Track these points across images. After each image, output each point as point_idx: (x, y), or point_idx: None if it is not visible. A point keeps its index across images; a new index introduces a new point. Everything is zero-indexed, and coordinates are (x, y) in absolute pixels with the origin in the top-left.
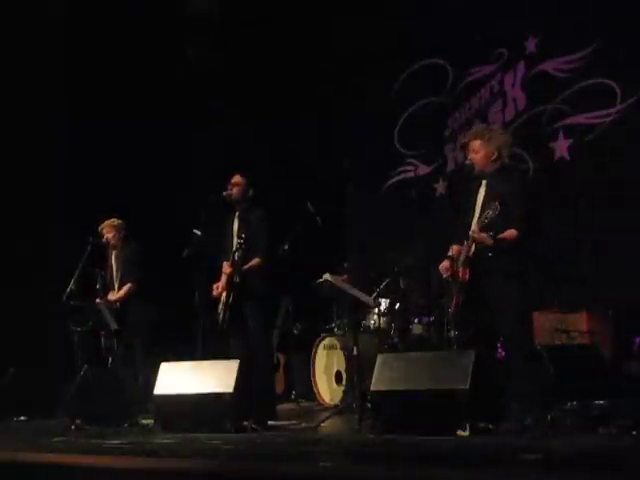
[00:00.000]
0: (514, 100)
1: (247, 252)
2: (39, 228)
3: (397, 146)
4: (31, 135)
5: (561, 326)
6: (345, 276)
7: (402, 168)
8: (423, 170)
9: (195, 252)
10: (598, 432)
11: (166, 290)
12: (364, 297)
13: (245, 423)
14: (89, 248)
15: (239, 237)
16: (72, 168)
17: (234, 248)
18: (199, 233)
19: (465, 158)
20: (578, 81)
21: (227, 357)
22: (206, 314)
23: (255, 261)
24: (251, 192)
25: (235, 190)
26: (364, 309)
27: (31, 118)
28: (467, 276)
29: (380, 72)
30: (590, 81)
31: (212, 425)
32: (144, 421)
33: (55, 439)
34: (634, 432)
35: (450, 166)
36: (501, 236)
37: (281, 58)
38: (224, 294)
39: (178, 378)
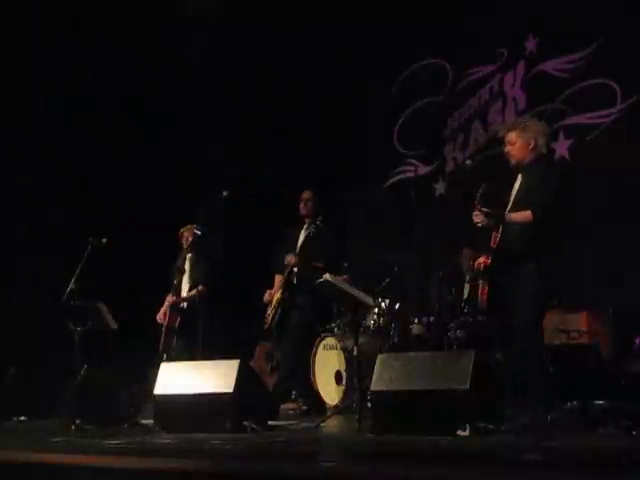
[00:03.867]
0: (514, 100)
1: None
2: (39, 228)
3: (397, 146)
4: (31, 135)
5: (561, 326)
6: (345, 276)
7: (402, 168)
8: (423, 170)
9: (195, 252)
10: (598, 432)
11: (166, 290)
12: (364, 297)
13: (245, 423)
14: (89, 248)
15: (304, 244)
16: (72, 167)
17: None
18: (199, 233)
19: (466, 158)
20: (578, 81)
21: (227, 357)
22: (206, 314)
23: (320, 264)
24: (317, 204)
25: (308, 205)
26: (364, 309)
27: (30, 117)
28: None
29: (380, 72)
30: (590, 81)
31: (212, 425)
32: (144, 421)
33: (55, 439)
34: (634, 432)
35: (450, 166)
36: (511, 215)
37: (280, 58)
38: (277, 295)
39: (178, 378)
